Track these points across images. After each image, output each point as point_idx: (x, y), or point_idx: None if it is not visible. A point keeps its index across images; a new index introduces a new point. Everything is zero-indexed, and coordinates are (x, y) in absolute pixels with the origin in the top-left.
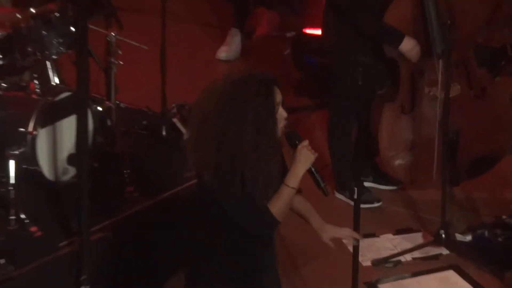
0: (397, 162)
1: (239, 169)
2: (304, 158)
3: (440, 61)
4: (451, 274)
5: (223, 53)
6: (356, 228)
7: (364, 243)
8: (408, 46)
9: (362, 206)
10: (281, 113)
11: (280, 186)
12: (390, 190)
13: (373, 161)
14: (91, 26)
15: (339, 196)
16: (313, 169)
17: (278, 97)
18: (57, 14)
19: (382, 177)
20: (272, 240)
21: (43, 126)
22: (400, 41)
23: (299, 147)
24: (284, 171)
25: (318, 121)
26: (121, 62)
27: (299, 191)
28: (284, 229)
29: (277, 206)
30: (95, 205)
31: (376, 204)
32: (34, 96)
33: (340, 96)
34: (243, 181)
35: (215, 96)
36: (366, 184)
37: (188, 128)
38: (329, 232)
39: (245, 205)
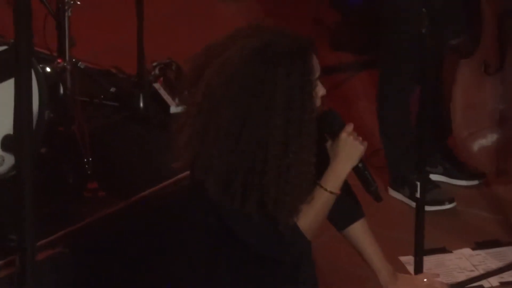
0: (478, 144)
1: (260, 185)
2: (350, 151)
3: None
4: None
5: None
6: (419, 240)
7: (430, 261)
8: None
9: (428, 208)
10: (318, 90)
11: (313, 189)
12: (468, 186)
13: (444, 145)
14: None
15: (394, 194)
16: (360, 165)
17: (317, 70)
18: None
19: (457, 167)
20: (300, 267)
21: None
22: None
23: (343, 135)
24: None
25: (364, 86)
26: (78, 2)
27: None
28: (327, 249)
29: (308, 219)
30: (43, 209)
31: (447, 206)
32: None
33: (395, 51)
34: (264, 201)
35: (226, 71)
36: (433, 177)
37: (179, 104)
38: None
39: (263, 230)
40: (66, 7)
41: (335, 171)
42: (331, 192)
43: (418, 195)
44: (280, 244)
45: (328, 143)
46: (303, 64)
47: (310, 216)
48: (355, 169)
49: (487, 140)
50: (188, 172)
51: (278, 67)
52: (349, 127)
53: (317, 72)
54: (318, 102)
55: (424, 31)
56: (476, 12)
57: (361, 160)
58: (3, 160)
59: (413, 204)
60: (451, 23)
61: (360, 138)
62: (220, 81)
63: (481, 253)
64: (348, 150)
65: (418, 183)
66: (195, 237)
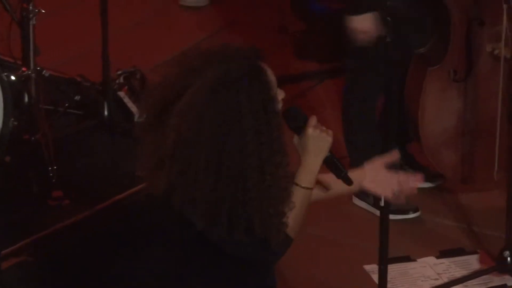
0: (445, 152)
1: (245, 213)
2: (319, 145)
3: (505, 6)
4: None
5: None
6: (383, 248)
7: (395, 269)
8: None
9: (392, 217)
10: (278, 95)
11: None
12: (432, 194)
13: (405, 151)
14: None
15: (358, 203)
16: (329, 155)
17: (273, 79)
18: None
19: (418, 171)
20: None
21: None
22: None
23: (309, 130)
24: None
25: (329, 94)
26: (42, 10)
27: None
28: (291, 257)
29: (291, 219)
30: (6, 217)
31: (412, 215)
32: None
33: (360, 59)
34: (251, 227)
35: (192, 115)
36: None
37: (146, 125)
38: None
39: (254, 246)
40: (31, 16)
41: (308, 166)
42: (307, 188)
43: (382, 203)
44: (271, 252)
45: (295, 139)
46: (260, 82)
47: (292, 216)
48: (325, 159)
49: (454, 148)
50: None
51: (238, 95)
52: (313, 120)
53: (274, 81)
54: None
55: (388, 39)
56: (444, 20)
57: (329, 150)
58: None
59: (378, 212)
60: (418, 32)
61: (325, 128)
62: (188, 128)
63: (445, 261)
64: (317, 144)
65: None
66: (164, 245)
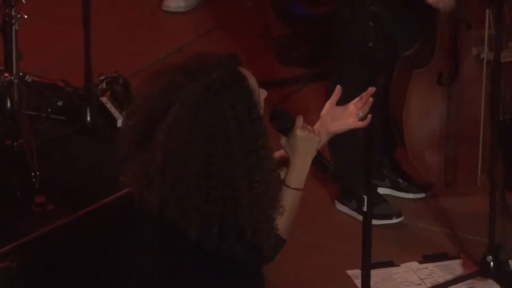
0: (428, 156)
1: (236, 223)
2: (307, 146)
3: (488, 10)
4: None
5: (171, 2)
6: (366, 253)
7: (378, 274)
8: None
9: (375, 222)
10: (260, 95)
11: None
12: (415, 199)
13: (391, 158)
14: None
15: (341, 208)
16: (317, 154)
17: (252, 81)
18: None
19: (404, 180)
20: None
21: None
22: None
23: (297, 132)
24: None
25: (312, 98)
26: (25, 16)
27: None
28: (274, 262)
29: (282, 221)
30: None
31: (395, 220)
32: None
33: (344, 63)
34: (242, 235)
35: (180, 132)
36: (381, 190)
37: (132, 145)
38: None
39: (248, 253)
40: (13, 21)
41: (298, 168)
42: (297, 189)
43: (365, 208)
44: (263, 256)
45: (282, 140)
46: (242, 89)
47: (283, 218)
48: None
49: (438, 152)
50: None
51: (222, 106)
52: (300, 121)
53: (255, 86)
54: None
55: (371, 44)
56: (430, 23)
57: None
58: None
59: (360, 217)
60: (404, 35)
61: (312, 128)
62: (176, 143)
63: (429, 266)
64: (306, 145)
65: (365, 197)
66: (147, 252)
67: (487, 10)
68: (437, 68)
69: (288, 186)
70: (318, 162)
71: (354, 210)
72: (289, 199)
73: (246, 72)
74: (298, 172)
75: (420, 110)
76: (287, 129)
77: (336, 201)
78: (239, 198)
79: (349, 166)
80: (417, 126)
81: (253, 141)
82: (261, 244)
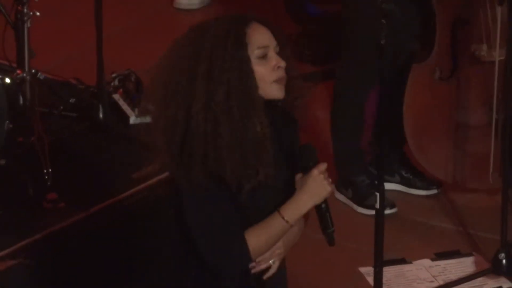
0: (432, 151)
1: (193, 145)
2: (317, 189)
3: (499, 7)
4: None
5: None
6: (378, 251)
7: (390, 272)
8: None
9: (367, 212)
10: (271, 59)
11: (272, 214)
12: (427, 196)
13: (401, 153)
14: None
15: (338, 196)
16: (323, 206)
17: (260, 38)
18: None
19: (415, 176)
20: None
21: None
22: None
23: (314, 172)
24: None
25: (323, 96)
26: (37, 13)
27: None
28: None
29: (259, 241)
30: (1, 220)
31: (388, 211)
32: None
33: (353, 56)
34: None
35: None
36: (390, 186)
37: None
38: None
39: (215, 235)
40: (25, 18)
41: (297, 203)
42: (287, 221)
43: (377, 206)
44: (223, 253)
45: (298, 175)
46: (232, 26)
47: (262, 239)
48: (318, 208)
49: (442, 148)
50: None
51: (205, 33)
52: (322, 166)
53: (260, 38)
54: (273, 75)
55: (383, 42)
56: (430, 18)
57: (325, 201)
58: None
59: (355, 206)
60: (407, 29)
61: (330, 180)
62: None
63: (441, 263)
64: (316, 188)
65: (377, 194)
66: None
67: (497, 7)
68: (436, 63)
69: (280, 214)
70: (323, 217)
71: (349, 199)
72: (275, 226)
73: (257, 27)
74: (297, 208)
75: (419, 104)
76: (308, 168)
77: (335, 190)
78: (193, 119)
79: (349, 155)
80: (415, 119)
81: (221, 71)
82: (224, 175)
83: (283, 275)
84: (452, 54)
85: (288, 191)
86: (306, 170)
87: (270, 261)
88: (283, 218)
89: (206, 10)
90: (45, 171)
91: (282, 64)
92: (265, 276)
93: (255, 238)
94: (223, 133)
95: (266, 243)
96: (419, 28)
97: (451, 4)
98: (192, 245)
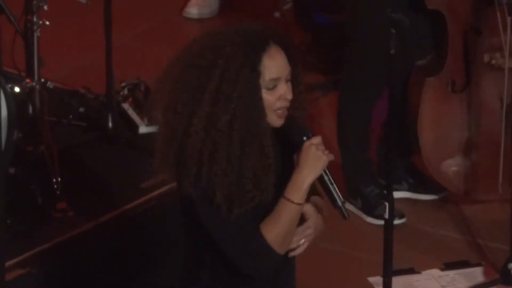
0: (446, 163)
1: (200, 171)
2: (312, 161)
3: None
4: None
5: (193, 8)
6: (387, 260)
7: (399, 281)
8: None
9: (376, 222)
10: (279, 90)
11: (278, 202)
12: (435, 205)
13: (407, 160)
14: None
15: (348, 206)
16: (326, 177)
17: (274, 69)
18: None
19: (421, 181)
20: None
21: None
22: None
23: (306, 144)
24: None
25: (332, 106)
26: (47, 22)
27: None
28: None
29: (275, 232)
30: (11, 229)
31: (397, 221)
32: None
33: (361, 65)
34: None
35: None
36: (399, 194)
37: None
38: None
39: (236, 238)
40: (35, 27)
41: (297, 181)
42: (295, 203)
43: (386, 216)
44: (248, 255)
45: (296, 155)
46: (249, 49)
47: (277, 229)
48: (321, 181)
49: (455, 159)
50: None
51: (220, 50)
52: (316, 139)
53: (274, 65)
54: (277, 104)
55: (393, 51)
56: (442, 31)
57: (326, 173)
58: None
59: (364, 216)
60: (419, 43)
61: (324, 148)
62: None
63: (450, 273)
64: (310, 160)
65: (386, 204)
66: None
67: (508, 18)
68: (449, 76)
69: (286, 198)
70: (327, 190)
71: (359, 209)
72: (285, 211)
73: (275, 51)
74: (298, 186)
75: (434, 118)
76: (302, 142)
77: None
78: (191, 136)
79: (357, 165)
80: (431, 133)
81: (229, 96)
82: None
83: (292, 274)
84: (465, 64)
85: None
86: (299, 145)
87: (300, 241)
88: (289, 200)
89: (215, 20)
90: (54, 180)
91: (289, 96)
92: (290, 254)
93: (270, 231)
94: (219, 160)
95: (283, 230)
96: (429, 39)
97: (462, 14)
98: (202, 255)
